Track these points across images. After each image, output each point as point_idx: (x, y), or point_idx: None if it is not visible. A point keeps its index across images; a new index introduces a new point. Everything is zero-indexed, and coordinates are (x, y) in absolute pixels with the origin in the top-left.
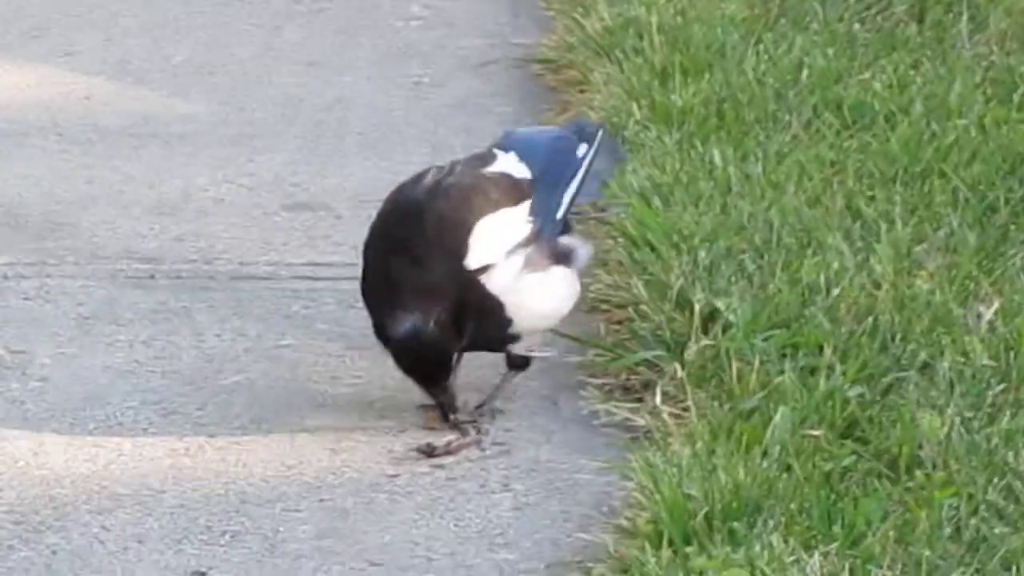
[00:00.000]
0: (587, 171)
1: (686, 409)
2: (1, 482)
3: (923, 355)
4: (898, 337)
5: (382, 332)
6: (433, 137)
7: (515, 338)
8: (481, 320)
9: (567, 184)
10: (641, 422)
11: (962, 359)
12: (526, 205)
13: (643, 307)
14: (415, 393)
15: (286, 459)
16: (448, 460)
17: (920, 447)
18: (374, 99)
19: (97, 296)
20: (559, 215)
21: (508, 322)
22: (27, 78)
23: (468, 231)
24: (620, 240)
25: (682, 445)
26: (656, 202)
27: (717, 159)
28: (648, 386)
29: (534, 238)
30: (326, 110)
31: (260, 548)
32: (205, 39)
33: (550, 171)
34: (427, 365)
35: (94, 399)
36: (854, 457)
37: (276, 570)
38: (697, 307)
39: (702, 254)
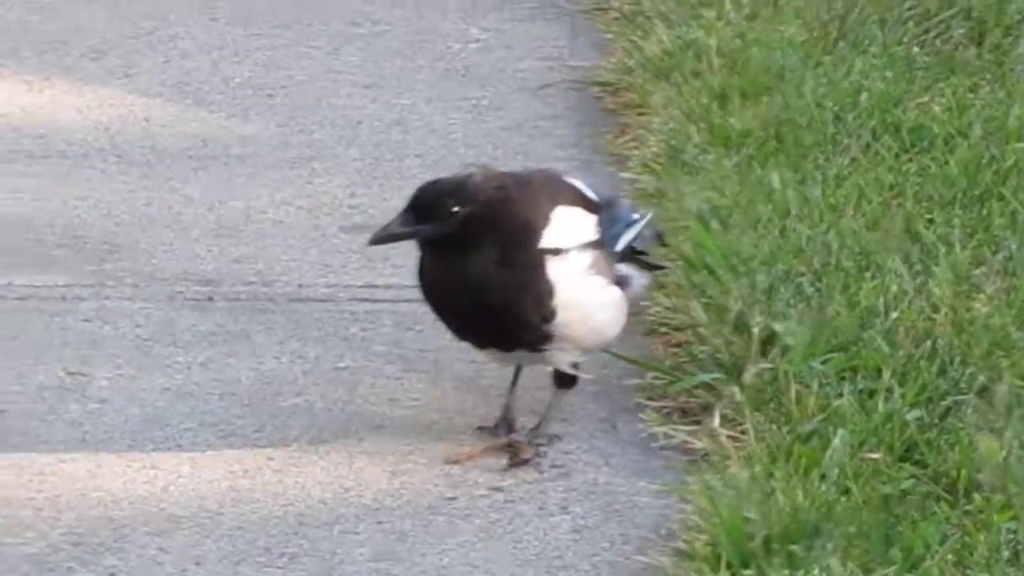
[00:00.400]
0: (640, 231)
1: (744, 432)
2: (60, 504)
3: (982, 378)
4: (957, 360)
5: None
6: (492, 159)
7: (550, 336)
8: (528, 299)
9: (627, 226)
10: (699, 445)
11: (1021, 382)
12: (595, 217)
13: (702, 330)
14: (473, 415)
15: (344, 481)
16: (507, 482)
17: (979, 471)
18: (433, 121)
19: (155, 318)
20: (619, 247)
21: (553, 311)
22: (86, 100)
23: (551, 211)
24: (679, 263)
25: (740, 468)
26: (715, 225)
27: (776, 182)
28: (707, 409)
29: (601, 248)
30: (385, 132)
31: (318, 570)
32: (264, 61)
33: (611, 208)
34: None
35: (152, 421)
36: (912, 480)
37: None
38: (755, 330)
39: (761, 277)
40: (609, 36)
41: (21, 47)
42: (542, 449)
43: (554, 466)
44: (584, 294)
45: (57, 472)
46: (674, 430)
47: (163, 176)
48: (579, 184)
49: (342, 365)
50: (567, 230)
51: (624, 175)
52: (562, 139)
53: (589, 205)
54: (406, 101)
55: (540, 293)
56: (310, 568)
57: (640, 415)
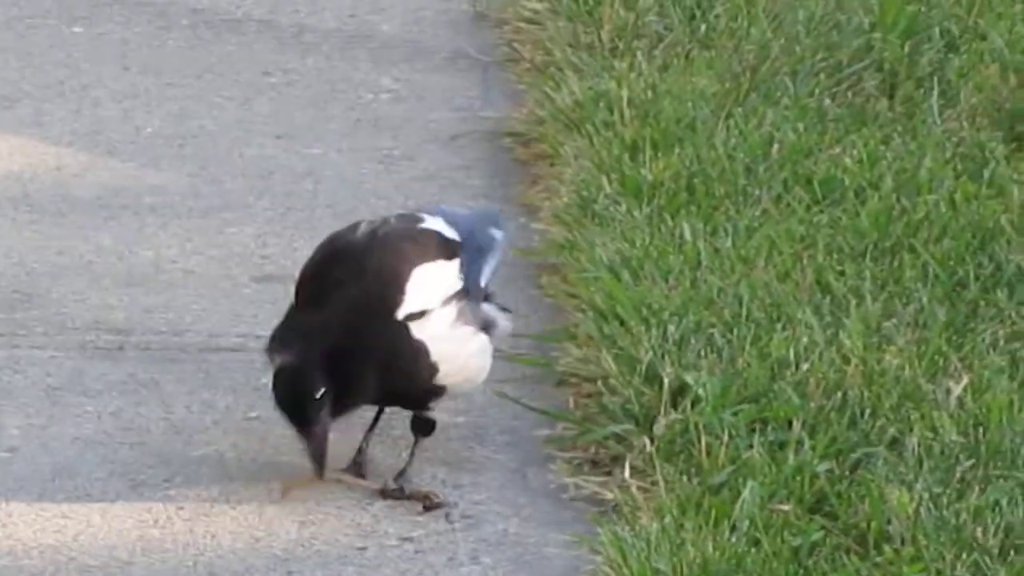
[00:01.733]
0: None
1: (655, 483)
2: None
3: (892, 431)
4: (867, 412)
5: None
6: (403, 210)
7: (439, 391)
8: (404, 368)
9: (488, 257)
10: (610, 496)
11: (931, 435)
12: (456, 263)
13: (612, 381)
14: (384, 463)
15: (255, 531)
16: (417, 532)
17: (889, 523)
18: (344, 171)
19: (66, 367)
20: (482, 283)
21: (434, 371)
22: None
23: (405, 277)
24: (589, 313)
25: (651, 519)
26: (626, 276)
27: (687, 233)
28: (617, 460)
29: (464, 296)
30: (296, 182)
31: None
32: (176, 111)
33: (473, 240)
34: (291, 405)
35: (63, 470)
36: (823, 532)
37: None
38: (666, 381)
39: (671, 328)
40: (521, 87)
41: None
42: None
43: (464, 516)
44: (456, 345)
45: None
46: (584, 481)
47: (74, 225)
48: (438, 225)
49: (253, 415)
50: (426, 290)
51: (535, 226)
52: (474, 190)
53: (449, 250)
54: (317, 151)
55: (416, 358)
56: None
57: (550, 466)
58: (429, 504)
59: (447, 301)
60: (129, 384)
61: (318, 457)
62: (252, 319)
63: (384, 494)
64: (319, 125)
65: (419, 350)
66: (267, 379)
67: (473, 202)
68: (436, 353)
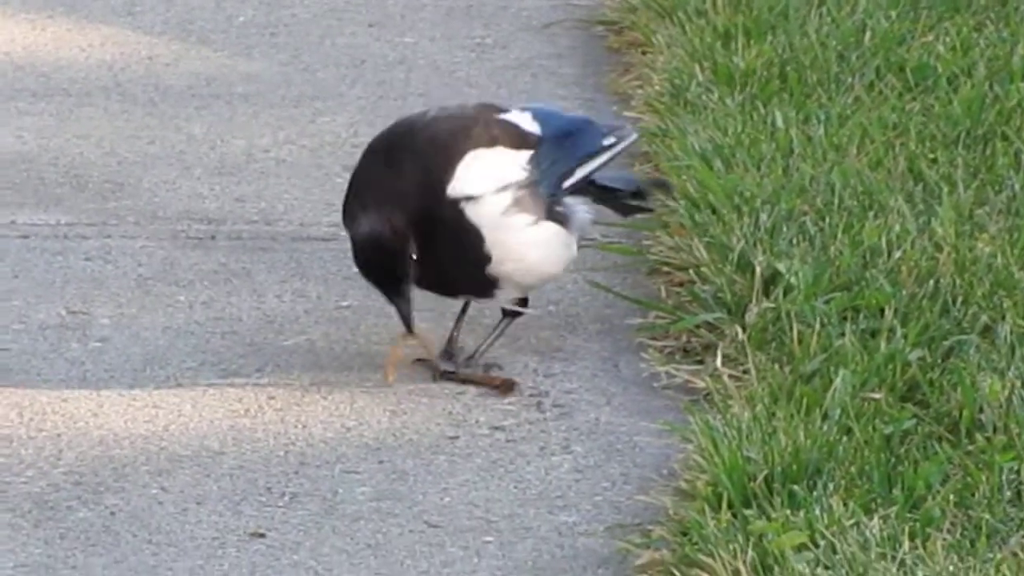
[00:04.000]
0: (610, 159)
1: (746, 372)
2: (61, 443)
3: (984, 318)
4: (959, 300)
5: (348, 230)
6: (495, 98)
7: (494, 282)
8: (458, 250)
9: (583, 159)
10: (701, 385)
11: (1023, 322)
12: (527, 154)
13: (704, 269)
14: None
15: (345, 420)
16: (509, 421)
17: (981, 411)
18: (436, 60)
19: (158, 257)
20: (567, 183)
21: (487, 259)
22: (89, 38)
23: (458, 157)
24: (681, 202)
25: (742, 408)
26: (718, 164)
27: (779, 121)
28: (709, 348)
29: (530, 187)
30: (389, 71)
31: (319, 509)
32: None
33: (564, 140)
34: (382, 268)
35: (154, 360)
36: (914, 421)
37: (335, 531)
38: (758, 269)
39: (763, 216)
40: None
41: None
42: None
43: (556, 405)
44: (510, 234)
45: (58, 411)
46: (676, 370)
47: (166, 115)
48: (517, 118)
49: (344, 304)
50: (478, 174)
51: (628, 114)
52: (566, 78)
53: (521, 139)
54: (410, 40)
55: (468, 240)
56: (311, 507)
57: (642, 355)
58: (506, 386)
59: (503, 188)
60: (221, 273)
61: (409, 316)
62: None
63: (440, 375)
64: (411, 13)
65: (471, 233)
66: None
67: (565, 90)
68: (488, 239)
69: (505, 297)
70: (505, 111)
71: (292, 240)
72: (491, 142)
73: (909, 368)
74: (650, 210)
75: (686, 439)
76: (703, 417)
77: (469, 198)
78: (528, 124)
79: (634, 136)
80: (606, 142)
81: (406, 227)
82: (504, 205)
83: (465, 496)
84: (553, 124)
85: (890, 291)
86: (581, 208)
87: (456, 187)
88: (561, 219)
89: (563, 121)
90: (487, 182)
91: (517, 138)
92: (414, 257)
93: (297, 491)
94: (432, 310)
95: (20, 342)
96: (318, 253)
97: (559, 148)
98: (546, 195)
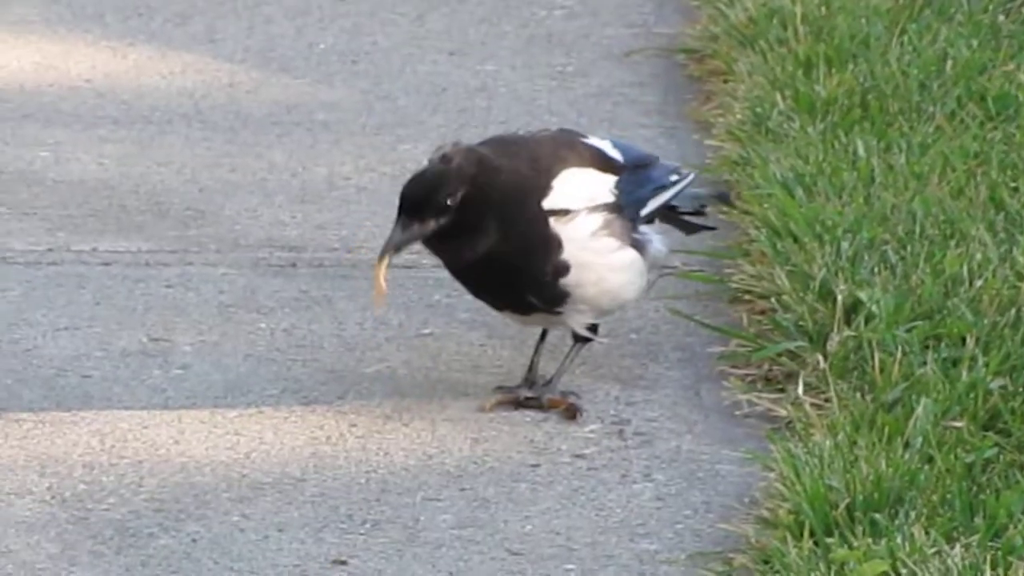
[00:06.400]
0: (676, 194)
1: (828, 400)
2: (142, 470)
3: None
4: None
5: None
6: (576, 126)
7: (563, 296)
8: (535, 257)
9: (656, 191)
10: (783, 413)
11: None
12: (613, 179)
13: (785, 298)
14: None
15: (427, 448)
16: (590, 449)
17: None
18: (518, 88)
19: (239, 284)
20: (644, 211)
21: (564, 269)
22: (170, 65)
23: (555, 173)
24: (763, 230)
25: (824, 436)
26: (799, 193)
27: (860, 150)
28: (790, 377)
29: (617, 211)
30: (469, 99)
31: (400, 537)
32: (349, 27)
33: (639, 170)
34: (422, 188)
35: (235, 387)
36: (996, 449)
37: (416, 559)
38: (840, 298)
39: (845, 245)
40: (695, 3)
41: (105, 12)
42: (573, 400)
43: (637, 433)
44: (595, 255)
45: (140, 438)
46: (758, 398)
47: (247, 142)
48: (600, 144)
49: (426, 331)
50: (573, 191)
51: (709, 142)
52: (647, 106)
53: (607, 163)
54: (491, 67)
55: (548, 250)
56: (392, 535)
57: (724, 383)
58: (570, 411)
59: (594, 209)
60: (302, 300)
61: (393, 245)
62: None
63: (518, 403)
64: (492, 41)
65: (551, 242)
66: (441, 296)
67: (647, 119)
68: (570, 254)
69: (574, 316)
70: (587, 136)
71: (373, 267)
72: (583, 163)
73: (991, 396)
74: (712, 228)
75: (768, 467)
76: (785, 445)
77: (562, 212)
78: (610, 150)
79: (692, 176)
80: (672, 178)
81: (471, 188)
82: (595, 226)
83: (547, 524)
84: (631, 154)
85: (971, 320)
86: (656, 238)
87: (552, 200)
88: (639, 247)
89: (638, 152)
90: (580, 200)
91: (603, 162)
92: (450, 204)
93: (379, 518)
94: (513, 338)
95: (102, 369)
96: (399, 280)
97: (636, 177)
98: (630, 220)
